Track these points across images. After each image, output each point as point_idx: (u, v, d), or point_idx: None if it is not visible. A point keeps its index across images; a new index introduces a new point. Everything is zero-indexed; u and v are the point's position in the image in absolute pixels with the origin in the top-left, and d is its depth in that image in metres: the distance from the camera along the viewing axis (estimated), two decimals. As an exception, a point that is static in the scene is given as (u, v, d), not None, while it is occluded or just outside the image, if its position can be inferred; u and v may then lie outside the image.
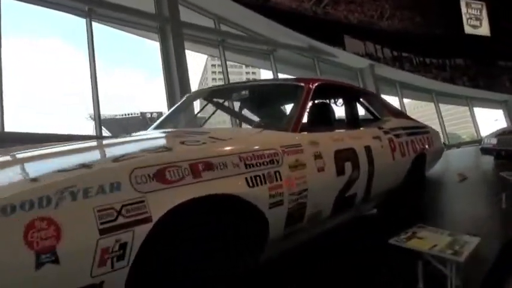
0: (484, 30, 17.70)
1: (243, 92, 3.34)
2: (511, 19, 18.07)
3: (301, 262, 2.48)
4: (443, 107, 18.74)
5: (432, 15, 17.30)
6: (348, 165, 2.49)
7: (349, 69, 15.54)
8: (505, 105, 18.27)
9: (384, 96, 16.53)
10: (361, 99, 3.87)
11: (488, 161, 8.69)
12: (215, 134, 2.19)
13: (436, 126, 17.35)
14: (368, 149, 2.81)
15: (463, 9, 17.40)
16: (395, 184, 3.38)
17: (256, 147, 1.95)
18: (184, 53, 9.64)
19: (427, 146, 4.10)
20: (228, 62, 11.86)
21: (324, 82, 3.04)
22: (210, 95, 3.52)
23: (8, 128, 6.70)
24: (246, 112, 3.80)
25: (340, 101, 3.50)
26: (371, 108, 3.94)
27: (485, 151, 8.94)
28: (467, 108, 18.91)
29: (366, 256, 2.61)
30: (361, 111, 3.82)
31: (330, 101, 3.44)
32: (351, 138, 2.74)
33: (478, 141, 14.15)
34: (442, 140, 8.53)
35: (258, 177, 1.79)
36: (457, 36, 17.24)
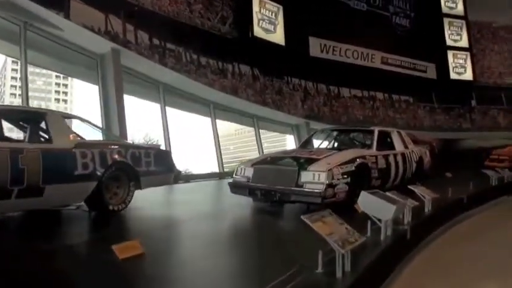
0: (278, 37, 14.73)
1: None
2: (309, 28, 15.55)
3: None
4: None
5: (218, 8, 13.67)
6: None
7: (91, 55, 10.49)
8: (296, 129, 15.39)
9: (137, 101, 12.13)
10: None
11: (245, 203, 5.52)
12: None
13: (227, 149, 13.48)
14: None
15: (255, 8, 14.15)
16: None
17: None
18: None
19: None
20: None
21: None
22: None
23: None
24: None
25: None
26: None
27: (235, 188, 5.50)
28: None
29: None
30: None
31: None
32: None
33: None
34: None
35: None
36: (245, 39, 13.82)
